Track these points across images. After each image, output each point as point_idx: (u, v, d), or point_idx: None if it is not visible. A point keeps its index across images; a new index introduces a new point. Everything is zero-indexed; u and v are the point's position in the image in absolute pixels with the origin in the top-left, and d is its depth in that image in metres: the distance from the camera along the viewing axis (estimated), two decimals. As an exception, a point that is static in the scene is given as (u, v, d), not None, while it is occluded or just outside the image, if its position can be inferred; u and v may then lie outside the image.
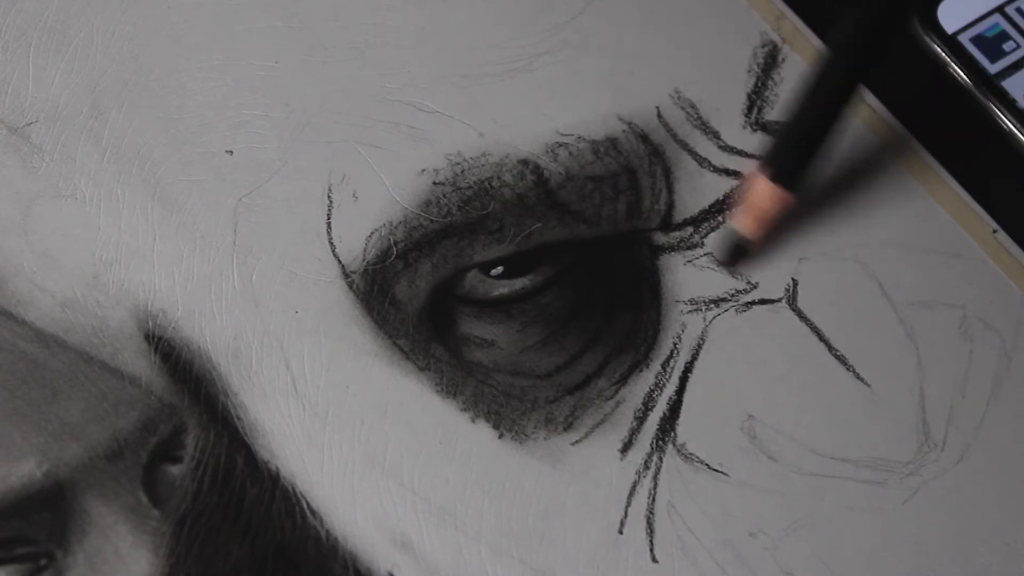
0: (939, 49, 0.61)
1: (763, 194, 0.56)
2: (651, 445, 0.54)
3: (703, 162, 0.59)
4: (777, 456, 0.55)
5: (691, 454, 0.54)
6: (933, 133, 0.60)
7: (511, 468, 0.53)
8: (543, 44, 0.59)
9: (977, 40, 0.61)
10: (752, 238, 0.57)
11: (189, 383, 0.53)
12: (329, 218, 0.56)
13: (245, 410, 0.52)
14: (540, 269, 0.56)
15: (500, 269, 0.56)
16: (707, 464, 0.54)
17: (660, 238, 0.57)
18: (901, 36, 0.59)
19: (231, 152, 0.56)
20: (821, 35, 0.61)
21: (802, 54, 0.61)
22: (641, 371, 0.55)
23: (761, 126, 0.59)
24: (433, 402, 0.54)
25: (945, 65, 0.61)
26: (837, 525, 0.54)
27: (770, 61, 0.61)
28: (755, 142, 0.59)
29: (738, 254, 0.57)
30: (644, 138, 0.59)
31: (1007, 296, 0.58)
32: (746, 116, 0.60)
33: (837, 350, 0.56)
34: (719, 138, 0.59)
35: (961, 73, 0.61)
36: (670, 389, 0.55)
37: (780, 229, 0.57)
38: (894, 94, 0.60)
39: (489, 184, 0.57)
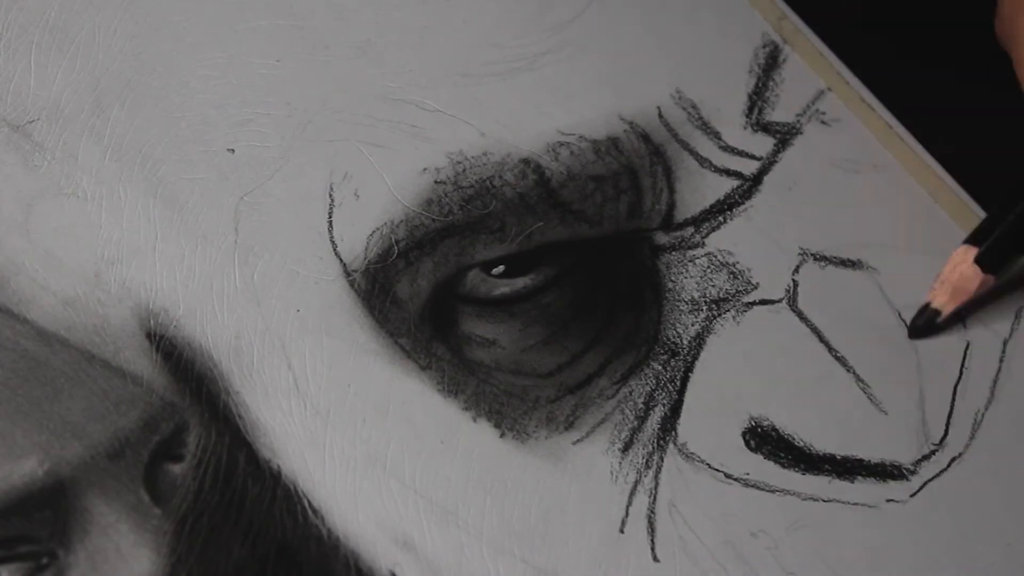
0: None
1: (967, 276, 0.56)
2: (652, 444, 0.54)
3: (704, 162, 0.59)
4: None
5: (692, 453, 0.54)
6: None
7: (513, 467, 0.53)
8: (545, 43, 0.60)
9: None
10: (945, 313, 0.57)
11: (191, 382, 0.52)
12: (331, 217, 0.56)
13: (246, 409, 0.52)
14: (541, 268, 0.56)
15: (502, 268, 0.56)
16: (708, 464, 0.54)
17: (661, 238, 0.57)
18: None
19: (233, 150, 0.56)
20: (822, 35, 0.61)
21: (803, 54, 0.61)
22: (642, 371, 0.55)
23: (762, 126, 0.60)
24: (435, 401, 0.54)
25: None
26: (838, 525, 0.54)
27: (771, 61, 0.61)
28: (756, 142, 0.59)
29: (930, 328, 0.57)
30: (645, 138, 0.59)
31: (1007, 296, 0.58)
32: (747, 116, 0.60)
33: (837, 351, 0.57)
34: (720, 138, 0.59)
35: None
36: (671, 388, 0.55)
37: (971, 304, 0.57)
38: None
39: (491, 183, 0.57)
